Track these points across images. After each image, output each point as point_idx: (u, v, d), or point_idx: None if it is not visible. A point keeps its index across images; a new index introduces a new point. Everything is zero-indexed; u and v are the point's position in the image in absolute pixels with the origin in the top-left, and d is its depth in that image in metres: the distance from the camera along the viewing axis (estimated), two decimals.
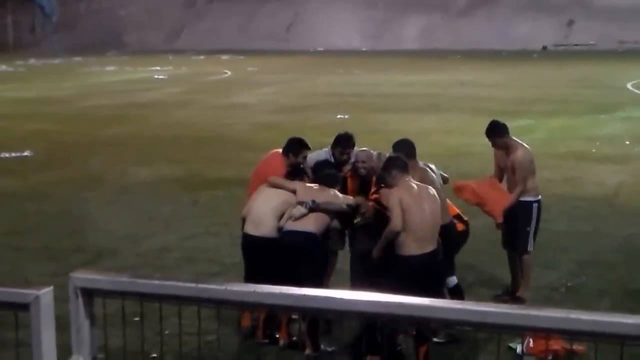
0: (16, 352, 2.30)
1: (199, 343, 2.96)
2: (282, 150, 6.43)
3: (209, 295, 2.09)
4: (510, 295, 6.85)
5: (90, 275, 2.16)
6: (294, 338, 5.92)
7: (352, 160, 6.47)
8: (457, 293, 6.24)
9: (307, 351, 5.67)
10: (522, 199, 6.73)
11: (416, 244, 5.43)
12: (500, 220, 6.77)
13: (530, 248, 6.82)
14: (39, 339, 2.03)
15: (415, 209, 5.47)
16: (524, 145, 6.83)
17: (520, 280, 6.88)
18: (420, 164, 6.20)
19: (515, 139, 6.91)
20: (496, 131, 6.79)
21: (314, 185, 6.05)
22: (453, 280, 6.32)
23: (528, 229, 6.74)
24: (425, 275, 5.34)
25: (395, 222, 5.40)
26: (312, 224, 5.79)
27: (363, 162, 6.22)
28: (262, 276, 5.59)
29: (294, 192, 5.97)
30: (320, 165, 6.47)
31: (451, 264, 6.33)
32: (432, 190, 5.68)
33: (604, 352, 2.48)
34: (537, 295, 6.91)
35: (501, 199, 6.77)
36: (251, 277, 5.84)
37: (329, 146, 6.74)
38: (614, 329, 1.78)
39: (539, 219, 6.83)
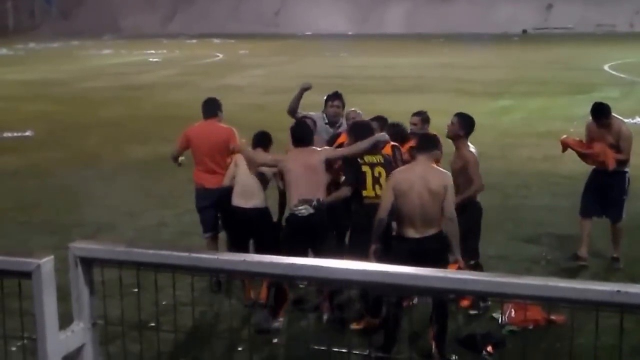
0: (20, 321, 2.39)
1: (192, 313, 3.02)
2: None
3: (201, 264, 2.11)
4: (612, 259, 7.36)
5: (89, 245, 2.20)
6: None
7: (343, 120, 7.34)
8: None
9: (326, 316, 5.92)
10: (621, 169, 7.15)
11: (415, 227, 5.37)
12: (613, 166, 7.08)
13: (624, 215, 7.29)
14: (41, 305, 2.07)
15: (409, 195, 5.41)
16: (624, 122, 7.31)
17: (616, 245, 7.39)
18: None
19: (616, 116, 7.26)
20: (602, 112, 7.14)
21: (300, 150, 6.01)
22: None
23: (624, 197, 7.23)
24: (425, 257, 5.30)
25: (385, 202, 5.48)
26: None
27: (353, 118, 7.24)
28: (248, 246, 5.84)
29: (275, 162, 6.06)
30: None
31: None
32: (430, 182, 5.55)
33: (580, 322, 2.60)
34: (518, 268, 7.11)
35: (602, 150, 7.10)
36: (237, 247, 5.92)
37: (322, 109, 7.50)
38: (590, 295, 1.81)
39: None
